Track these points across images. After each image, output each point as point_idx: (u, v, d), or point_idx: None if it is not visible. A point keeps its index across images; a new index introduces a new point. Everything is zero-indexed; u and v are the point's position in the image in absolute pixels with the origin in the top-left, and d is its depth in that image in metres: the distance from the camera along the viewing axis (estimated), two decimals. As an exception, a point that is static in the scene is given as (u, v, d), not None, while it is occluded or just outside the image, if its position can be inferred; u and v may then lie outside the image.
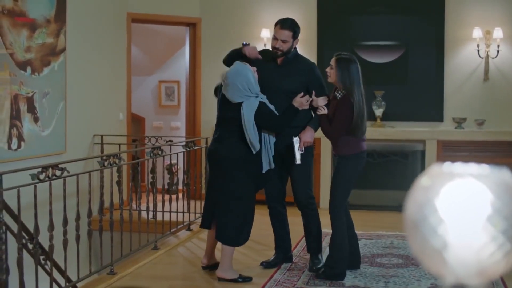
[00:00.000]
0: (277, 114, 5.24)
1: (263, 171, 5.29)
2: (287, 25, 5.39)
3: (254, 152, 5.18)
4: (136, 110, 10.21)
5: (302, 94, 5.34)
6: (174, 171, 9.29)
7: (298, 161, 5.30)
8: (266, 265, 5.74)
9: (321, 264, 5.57)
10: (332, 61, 5.17)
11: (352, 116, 5.08)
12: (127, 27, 8.74)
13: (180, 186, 8.95)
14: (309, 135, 5.39)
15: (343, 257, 5.31)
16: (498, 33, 8.33)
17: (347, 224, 5.38)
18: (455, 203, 1.14)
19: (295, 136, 5.30)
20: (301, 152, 5.30)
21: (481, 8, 8.57)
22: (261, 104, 5.17)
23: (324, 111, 5.28)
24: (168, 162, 9.08)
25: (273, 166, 5.33)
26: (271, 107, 5.24)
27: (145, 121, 11.01)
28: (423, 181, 1.22)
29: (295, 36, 5.40)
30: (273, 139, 5.36)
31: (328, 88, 5.50)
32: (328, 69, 5.20)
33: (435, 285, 5.23)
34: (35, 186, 4.42)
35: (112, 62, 8.40)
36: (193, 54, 9.52)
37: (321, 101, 5.33)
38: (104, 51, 8.21)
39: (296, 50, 5.53)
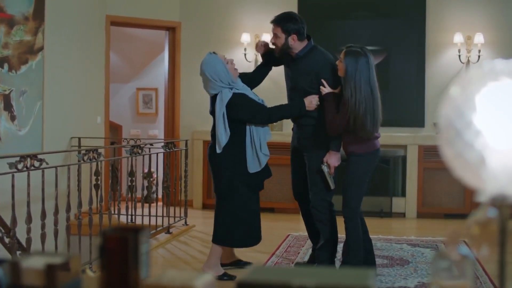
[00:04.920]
0: (264, 106, 5.08)
1: (250, 171, 5.04)
2: (275, 19, 5.17)
3: (218, 151, 4.99)
4: (113, 117, 10.03)
5: (316, 95, 5.00)
6: (152, 179, 9.12)
7: (332, 186, 5.05)
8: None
9: None
10: (341, 54, 4.81)
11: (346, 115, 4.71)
12: (106, 30, 8.60)
13: (159, 195, 8.78)
14: (334, 159, 5.00)
15: (359, 264, 4.90)
16: (479, 38, 8.33)
17: (361, 228, 5.02)
18: (498, 105, 1.04)
19: (323, 164, 5.00)
20: (333, 176, 5.04)
21: (462, 13, 8.59)
22: (236, 95, 4.98)
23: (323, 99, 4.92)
24: (146, 170, 8.90)
25: (262, 166, 5.08)
26: (257, 98, 5.10)
27: (123, 129, 10.85)
28: (455, 88, 1.13)
29: (285, 30, 5.07)
30: (264, 138, 5.10)
31: None
32: (337, 62, 4.86)
33: (422, 283, 5.15)
34: (13, 175, 4.27)
35: (90, 64, 8.25)
36: (172, 58, 9.40)
37: (314, 100, 4.99)
38: (83, 52, 8.05)
39: (311, 46, 5.16)
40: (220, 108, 4.94)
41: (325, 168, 5.01)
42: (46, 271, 1.40)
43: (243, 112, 4.99)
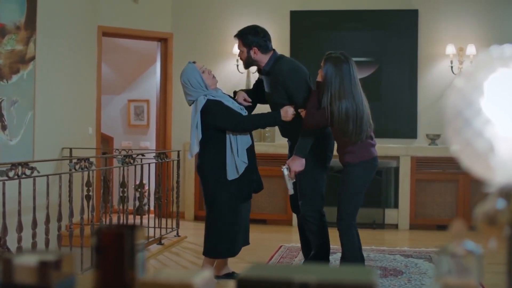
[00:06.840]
0: (240, 114, 5.01)
1: (228, 178, 4.97)
2: (236, 33, 5.18)
3: (189, 157, 5.01)
4: (104, 129, 9.96)
5: (291, 106, 4.98)
6: (144, 190, 9.04)
7: (290, 191, 5.00)
8: None
9: None
10: (322, 61, 4.75)
11: (325, 121, 4.66)
12: (98, 41, 8.56)
13: (151, 207, 8.71)
14: (297, 164, 4.94)
15: None
16: (471, 49, 8.35)
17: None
18: (507, 91, 1.02)
19: (284, 166, 4.98)
20: (293, 181, 4.98)
21: (454, 24, 8.60)
22: (211, 102, 4.93)
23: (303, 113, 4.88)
24: (138, 182, 8.83)
25: (240, 173, 4.98)
26: (235, 106, 5.04)
27: (114, 141, 10.79)
28: (460, 79, 1.10)
29: (246, 44, 5.06)
30: (243, 145, 5.02)
31: None
32: (319, 70, 4.79)
33: (416, 293, 5.11)
34: (4, 183, 4.22)
35: (82, 74, 8.20)
36: (164, 70, 9.37)
37: (289, 110, 4.94)
38: (74, 62, 8.01)
39: (275, 58, 5.11)
40: (194, 116, 4.93)
41: (285, 171, 4.95)
42: (39, 269, 1.36)
43: (218, 119, 4.94)
